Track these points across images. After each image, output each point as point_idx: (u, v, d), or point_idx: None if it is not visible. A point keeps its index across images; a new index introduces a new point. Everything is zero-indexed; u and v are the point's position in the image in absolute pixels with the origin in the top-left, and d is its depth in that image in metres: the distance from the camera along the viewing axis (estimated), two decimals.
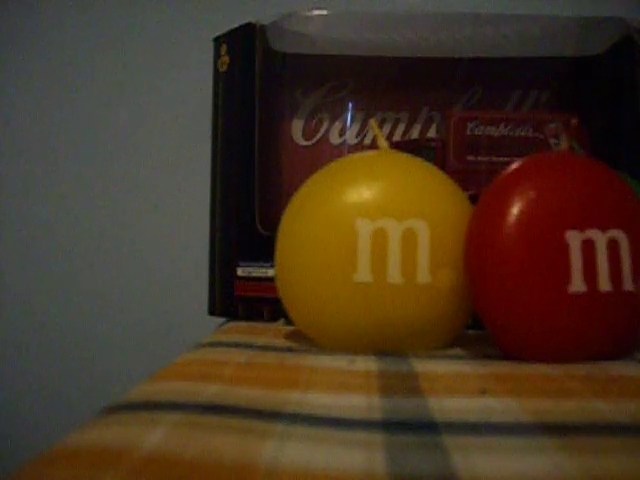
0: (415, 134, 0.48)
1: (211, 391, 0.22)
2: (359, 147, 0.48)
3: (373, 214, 0.30)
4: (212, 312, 0.47)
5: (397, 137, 0.48)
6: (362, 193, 0.31)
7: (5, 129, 0.71)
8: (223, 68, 0.47)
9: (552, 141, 0.42)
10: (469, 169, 0.42)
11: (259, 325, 0.41)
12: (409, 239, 0.30)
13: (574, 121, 0.37)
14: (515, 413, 0.19)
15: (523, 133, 0.42)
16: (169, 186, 0.68)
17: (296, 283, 0.32)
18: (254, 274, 0.44)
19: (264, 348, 0.32)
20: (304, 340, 0.33)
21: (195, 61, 0.64)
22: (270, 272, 0.42)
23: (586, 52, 0.46)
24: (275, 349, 0.32)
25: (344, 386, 0.23)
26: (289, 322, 0.37)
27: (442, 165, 0.41)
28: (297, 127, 0.48)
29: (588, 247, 0.27)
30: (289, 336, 0.36)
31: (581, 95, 0.48)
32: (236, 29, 0.47)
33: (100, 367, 0.67)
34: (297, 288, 0.32)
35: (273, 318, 0.43)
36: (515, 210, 0.28)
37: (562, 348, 0.27)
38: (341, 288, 0.30)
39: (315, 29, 0.47)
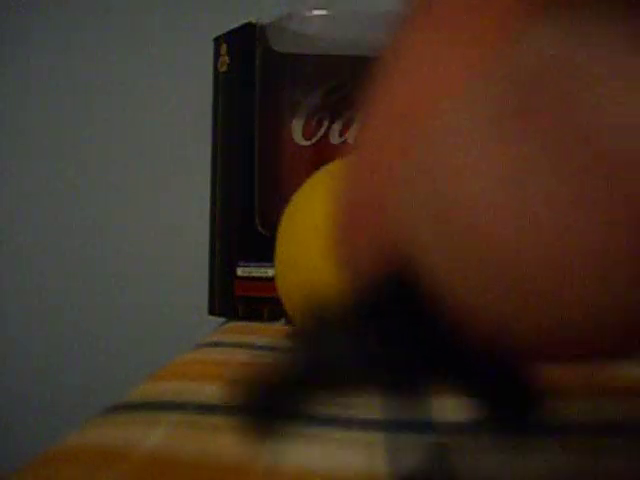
0: None
1: (211, 391, 0.22)
2: None
3: None
4: (212, 312, 0.47)
5: None
6: None
7: (6, 129, 0.71)
8: (223, 68, 0.47)
9: None
10: None
11: (259, 325, 0.41)
12: None
13: None
14: None
15: None
16: (169, 186, 0.68)
17: (296, 283, 0.32)
18: (254, 274, 0.44)
19: (264, 348, 0.32)
20: None
21: (195, 61, 0.64)
22: (270, 272, 0.42)
23: None
24: (275, 349, 0.32)
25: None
26: (289, 322, 0.37)
27: None
28: (297, 127, 0.48)
29: None
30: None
31: None
32: (236, 29, 0.47)
33: (100, 367, 0.67)
34: (297, 288, 0.32)
35: (273, 318, 0.43)
36: None
37: (562, 348, 0.27)
38: (341, 288, 0.30)
39: (315, 29, 0.47)
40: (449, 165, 0.07)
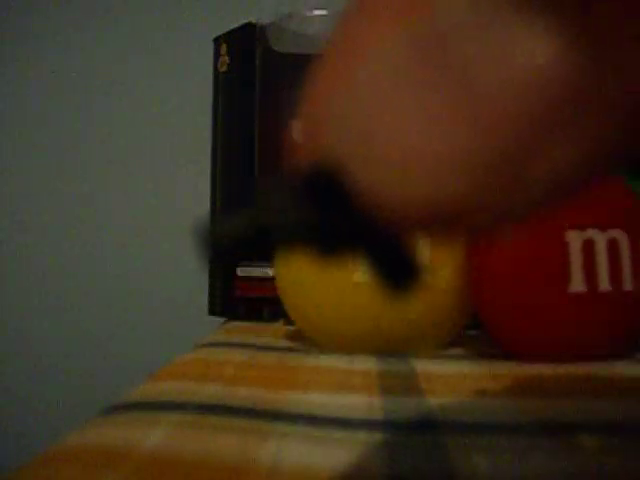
0: None
1: (211, 391, 0.22)
2: None
3: None
4: (212, 312, 0.47)
5: None
6: None
7: (6, 129, 0.71)
8: (223, 68, 0.47)
9: None
10: None
11: (259, 325, 0.41)
12: None
13: None
14: (515, 413, 0.19)
15: None
16: (169, 186, 0.68)
17: (296, 283, 0.32)
18: (254, 274, 0.44)
19: (264, 348, 0.32)
20: (304, 340, 0.33)
21: (195, 61, 0.64)
22: (270, 272, 0.42)
23: None
24: (275, 349, 0.32)
25: (344, 386, 0.23)
26: (289, 322, 0.37)
27: None
28: (297, 127, 0.48)
29: (588, 247, 0.27)
30: (289, 336, 0.36)
31: None
32: (236, 29, 0.47)
33: (100, 367, 0.67)
34: (297, 288, 0.32)
35: (273, 318, 0.43)
36: None
37: (562, 348, 0.27)
38: (341, 288, 0.30)
39: (315, 29, 0.47)
40: (368, 100, 0.09)
